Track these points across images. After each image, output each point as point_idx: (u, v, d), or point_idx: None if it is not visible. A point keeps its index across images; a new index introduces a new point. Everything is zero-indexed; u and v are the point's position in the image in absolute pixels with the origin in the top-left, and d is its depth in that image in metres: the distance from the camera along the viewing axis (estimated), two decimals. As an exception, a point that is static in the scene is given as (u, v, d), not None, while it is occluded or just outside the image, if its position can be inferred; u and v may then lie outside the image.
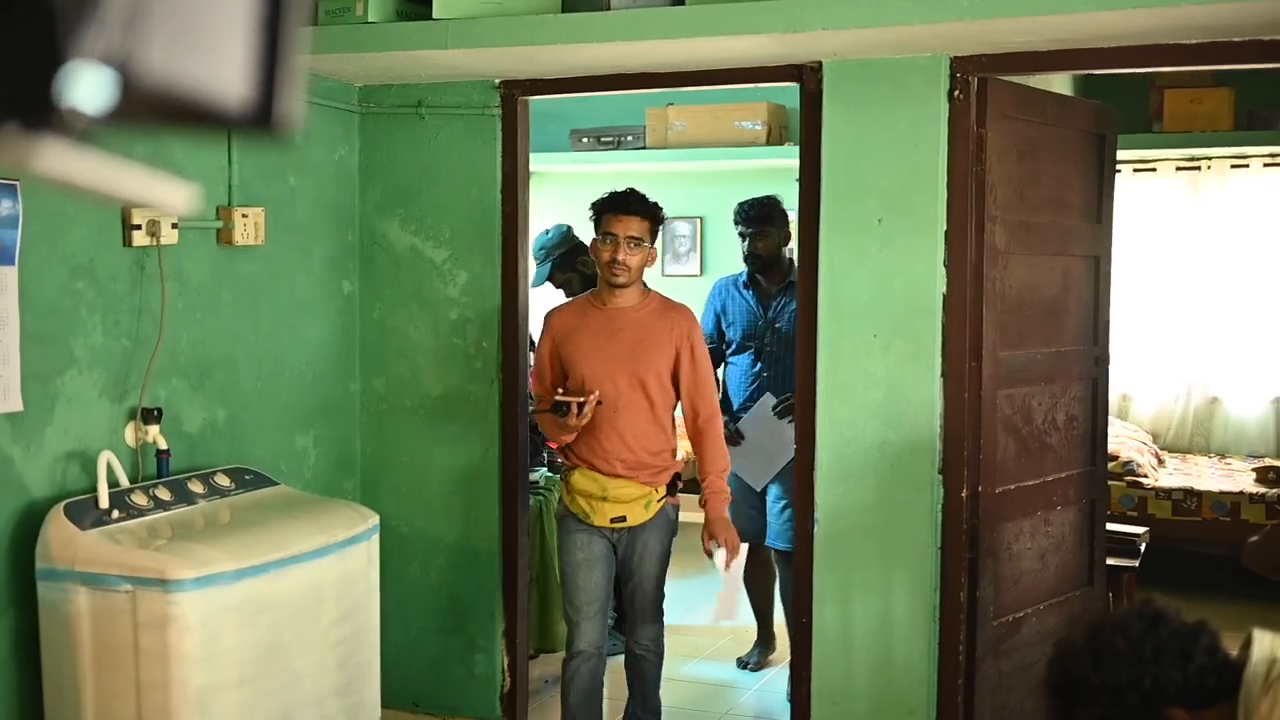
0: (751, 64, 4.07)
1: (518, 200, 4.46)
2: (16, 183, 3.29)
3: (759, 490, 5.07)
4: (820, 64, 3.98)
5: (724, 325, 5.18)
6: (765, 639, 5.48)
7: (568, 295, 5.27)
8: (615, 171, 8.18)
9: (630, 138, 7.85)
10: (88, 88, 0.55)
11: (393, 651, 4.48)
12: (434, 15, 3.89)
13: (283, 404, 4.29)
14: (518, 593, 4.52)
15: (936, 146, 3.88)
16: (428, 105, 4.50)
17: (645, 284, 4.05)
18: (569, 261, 5.74)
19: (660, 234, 4.10)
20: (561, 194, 8.44)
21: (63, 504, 3.32)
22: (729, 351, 5.15)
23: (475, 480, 4.51)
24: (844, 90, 3.97)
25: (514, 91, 4.42)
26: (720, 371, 5.16)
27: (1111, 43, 3.67)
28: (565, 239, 5.74)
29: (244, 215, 4.00)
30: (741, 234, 5.05)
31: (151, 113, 0.62)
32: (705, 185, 8.26)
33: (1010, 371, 4.10)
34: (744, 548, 4.85)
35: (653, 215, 3.93)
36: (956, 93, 3.87)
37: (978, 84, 3.89)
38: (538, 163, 8.26)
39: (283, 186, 4.25)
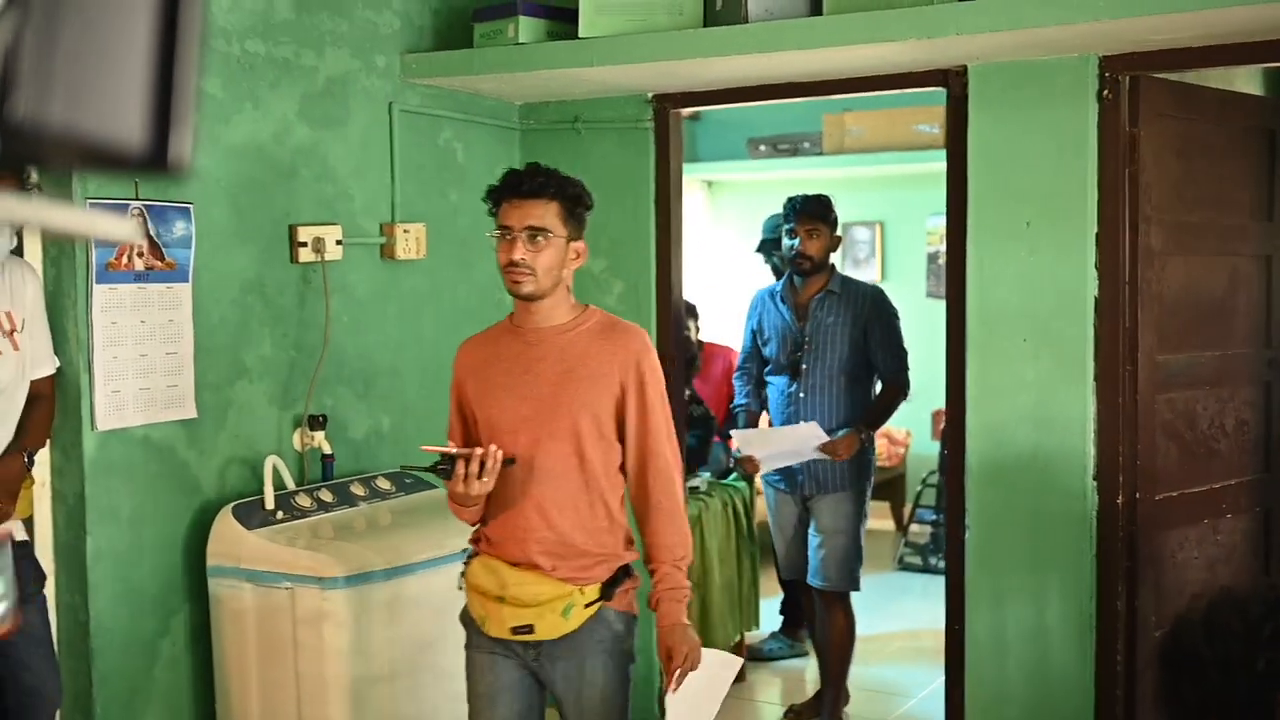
0: (896, 70, 4.07)
1: (671, 210, 4.54)
2: (190, 205, 3.53)
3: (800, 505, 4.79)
4: (965, 68, 3.96)
5: (760, 342, 4.90)
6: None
7: None
8: (792, 178, 8.20)
9: (807, 144, 7.87)
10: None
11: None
12: (580, 35, 4.01)
13: (445, 411, 4.45)
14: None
15: (1086, 148, 3.81)
16: (584, 120, 4.63)
17: (575, 296, 3.08)
18: (766, 255, 5.91)
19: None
20: (739, 202, 8.51)
21: (231, 505, 3.54)
22: (767, 371, 4.88)
23: (632, 485, 4.60)
24: (990, 93, 3.93)
25: (665, 105, 4.51)
26: (738, 395, 5.01)
27: (1270, 35, 3.55)
28: (768, 228, 5.89)
29: (405, 230, 4.19)
30: (790, 231, 4.72)
31: (55, 157, 0.72)
32: (884, 190, 8.22)
33: (1170, 375, 3.99)
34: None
35: (565, 195, 2.94)
36: (1106, 92, 3.79)
37: (1129, 83, 3.80)
38: (715, 171, 8.41)
39: (444, 202, 4.43)
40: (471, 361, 3.05)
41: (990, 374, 3.98)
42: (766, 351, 4.82)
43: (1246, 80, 5.58)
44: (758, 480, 5.58)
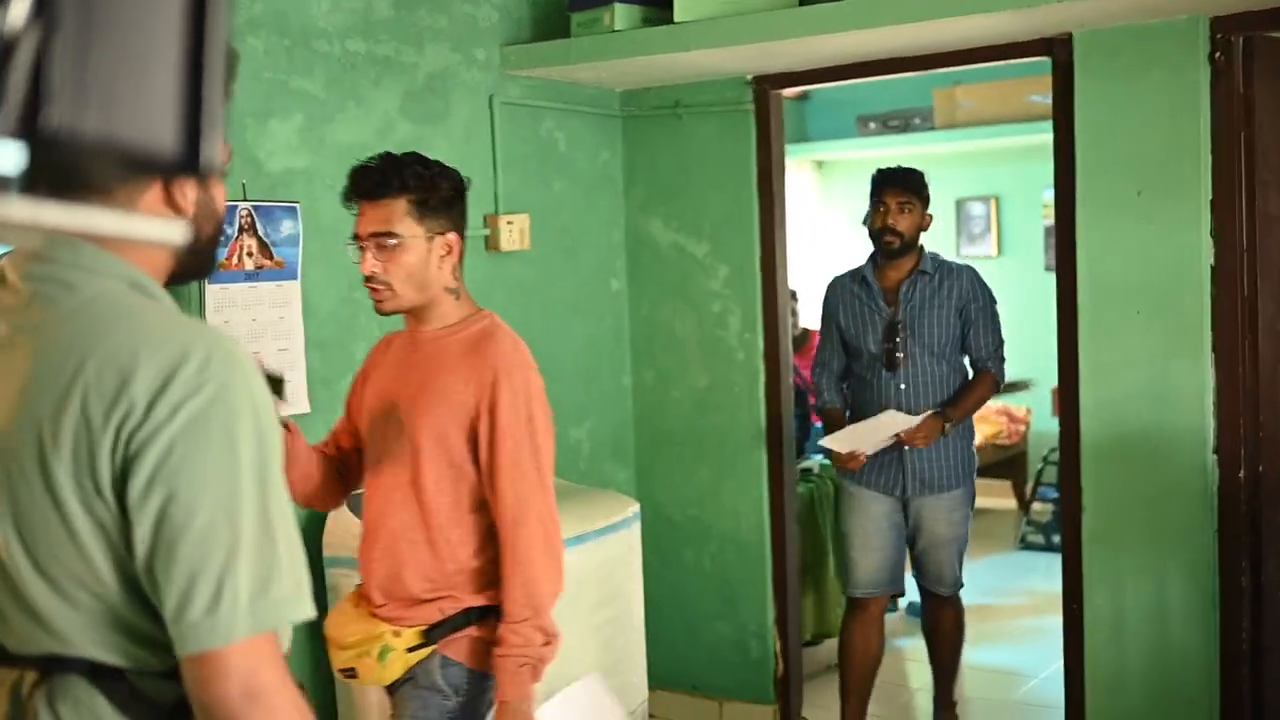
0: (1000, 40, 4.00)
1: (774, 192, 4.52)
2: (297, 205, 3.61)
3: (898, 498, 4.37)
4: (1070, 35, 3.87)
5: (843, 333, 4.41)
6: None
7: None
8: (903, 155, 8.08)
9: (918, 120, 7.78)
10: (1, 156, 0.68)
11: (668, 635, 4.64)
12: (676, 19, 4.01)
13: (556, 399, 4.45)
14: (787, 579, 4.59)
15: (1197, 112, 3.71)
16: (684, 105, 4.63)
17: (465, 297, 2.66)
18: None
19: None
20: (848, 181, 8.43)
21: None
22: (855, 364, 4.42)
23: (742, 470, 4.60)
24: (1096, 61, 3.84)
25: (766, 86, 4.49)
26: (821, 393, 4.51)
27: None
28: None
29: (509, 222, 4.23)
30: (878, 205, 4.30)
31: (90, 166, 0.75)
32: (998, 163, 8.08)
33: (1293, 344, 3.86)
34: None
35: (413, 186, 2.54)
36: (1218, 54, 3.68)
37: (1242, 44, 3.69)
38: (824, 151, 8.34)
39: (548, 193, 4.47)
40: (374, 358, 2.78)
41: (1103, 349, 3.89)
42: (853, 343, 4.38)
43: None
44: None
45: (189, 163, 0.76)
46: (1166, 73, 3.74)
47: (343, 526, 3.54)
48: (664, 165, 4.70)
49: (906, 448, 4.23)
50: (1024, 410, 7.88)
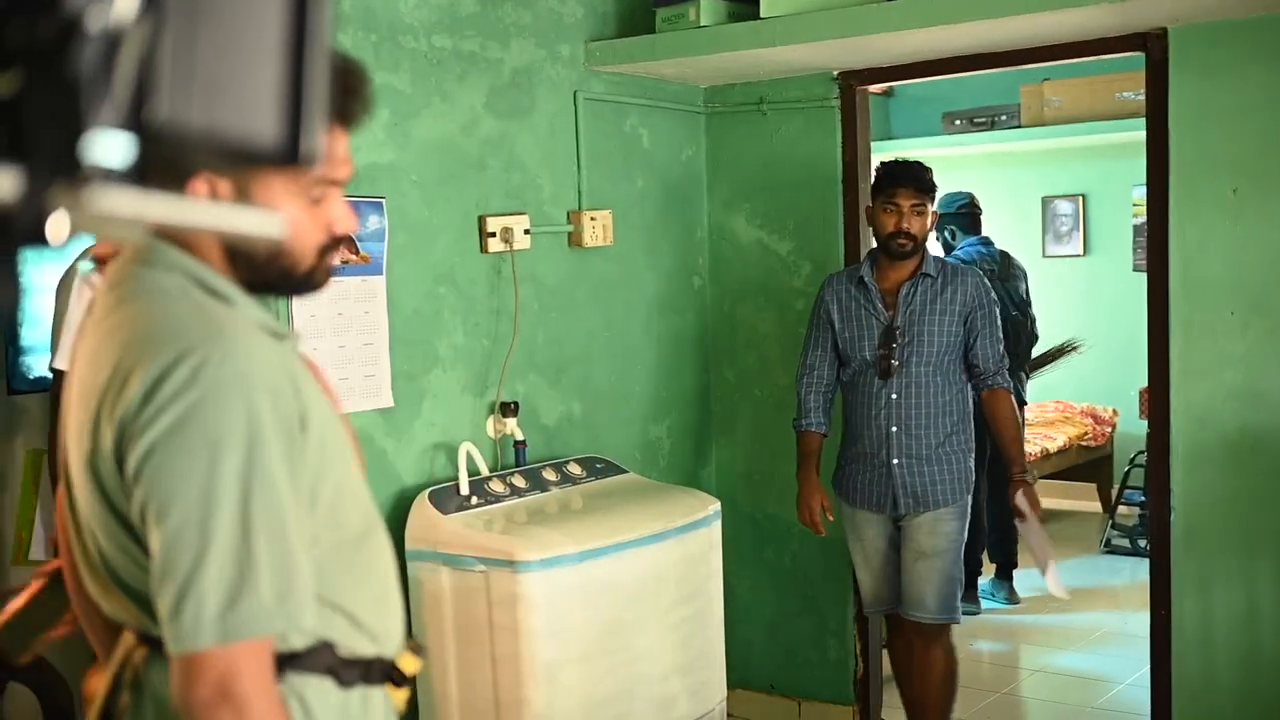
0: (1091, 36, 3.93)
1: (859, 190, 4.48)
2: (383, 199, 3.64)
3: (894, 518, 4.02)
4: (1165, 30, 3.80)
5: (837, 337, 4.04)
6: None
7: None
8: (989, 152, 8.03)
9: (1004, 117, 7.68)
10: (109, 149, 0.69)
11: (747, 634, 4.62)
12: (761, 15, 3.99)
13: (637, 396, 4.51)
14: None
15: (1296, 109, 3.62)
16: (769, 101, 4.60)
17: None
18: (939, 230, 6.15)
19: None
20: (936, 178, 8.33)
21: (427, 491, 3.64)
22: (847, 370, 4.05)
23: (823, 469, 4.57)
24: (1191, 56, 3.77)
25: (851, 82, 4.46)
26: (803, 411, 4.10)
27: None
28: (946, 204, 6.13)
29: (592, 218, 4.24)
30: (888, 204, 3.92)
31: (194, 158, 0.75)
32: (1086, 161, 7.96)
33: (1393, 347, 3.76)
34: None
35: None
36: (1317, 49, 3.60)
37: (1343, 38, 3.60)
38: (910, 148, 8.21)
39: (631, 189, 4.47)
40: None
41: (1195, 349, 3.82)
42: (846, 348, 4.02)
43: None
44: None
45: (289, 154, 0.76)
46: (1264, 68, 3.66)
47: (426, 520, 3.56)
48: (748, 162, 4.68)
49: (895, 461, 3.92)
50: (1110, 412, 7.75)
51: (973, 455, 4.05)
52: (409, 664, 1.65)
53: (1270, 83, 3.65)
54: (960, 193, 6.36)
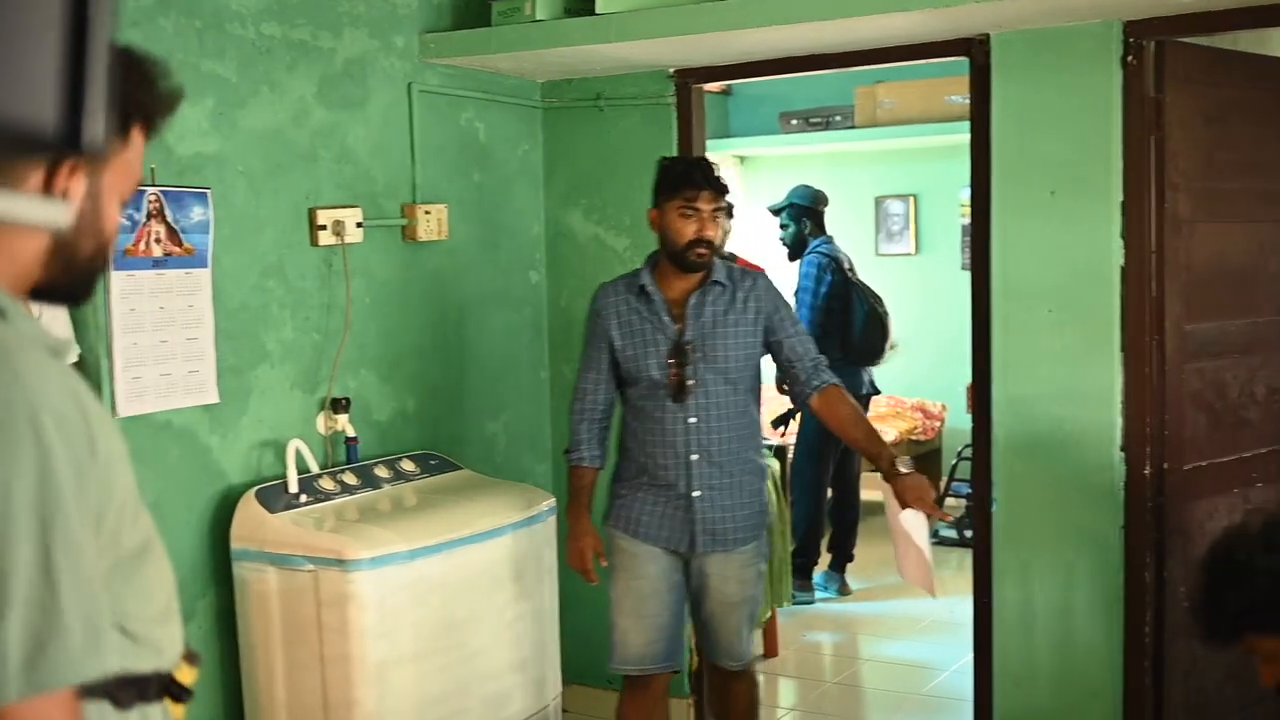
0: (919, 40, 4.02)
1: (694, 187, 4.50)
2: (208, 190, 3.54)
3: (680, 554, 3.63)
4: (987, 36, 3.91)
5: (625, 360, 3.59)
6: None
7: None
8: (825, 152, 8.17)
9: (839, 117, 7.82)
10: None
11: (583, 629, 4.62)
12: (598, 10, 3.99)
13: (472, 391, 4.47)
14: (703, 573, 4.59)
15: (1110, 115, 3.76)
16: (606, 98, 4.61)
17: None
18: (795, 222, 6.44)
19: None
20: (771, 177, 8.46)
21: (255, 489, 3.56)
22: (632, 394, 3.63)
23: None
24: (1013, 62, 3.88)
25: (688, 80, 4.49)
26: (577, 442, 3.73)
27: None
28: (805, 196, 6.41)
29: (427, 212, 4.19)
30: (687, 210, 3.50)
31: (-36, 143, 0.72)
32: (917, 162, 8.16)
33: (1199, 344, 3.93)
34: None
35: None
36: (1130, 59, 3.73)
37: (1154, 48, 3.74)
38: (747, 146, 8.37)
39: (467, 183, 4.43)
40: None
41: (1016, 347, 3.94)
42: (629, 366, 3.59)
43: (1281, 43, 5.47)
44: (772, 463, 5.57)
45: (71, 139, 0.73)
46: (1080, 76, 3.79)
47: (253, 519, 3.48)
48: (585, 158, 4.68)
49: (697, 494, 3.54)
50: (939, 407, 7.96)
51: (766, 485, 3.73)
52: (186, 675, 1.59)
53: (1086, 89, 3.78)
54: (813, 187, 6.47)
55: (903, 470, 3.55)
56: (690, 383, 3.51)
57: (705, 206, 3.52)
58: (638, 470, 3.64)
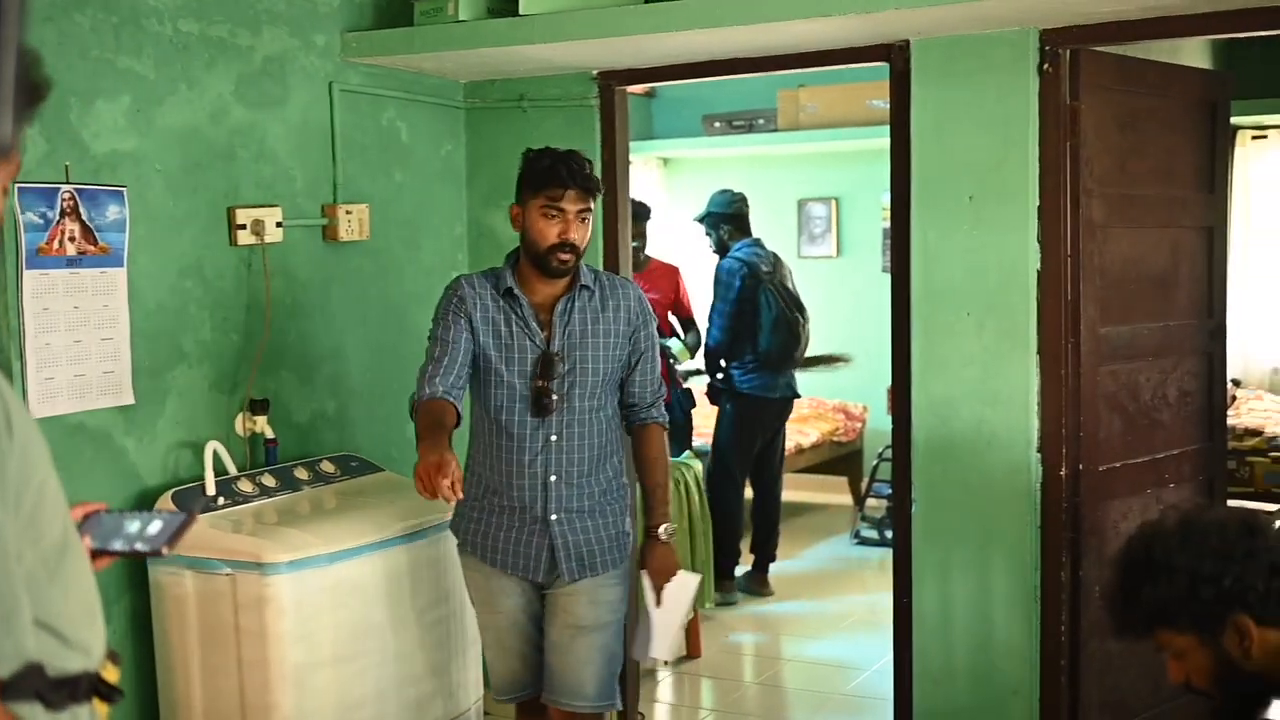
0: (841, 45, 4.06)
1: (618, 189, 4.51)
2: (124, 189, 3.48)
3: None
4: (908, 43, 3.95)
5: (488, 353, 3.25)
6: None
7: None
8: (748, 155, 8.22)
9: (762, 120, 7.87)
10: None
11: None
12: (521, 11, 3.98)
13: (393, 393, 4.43)
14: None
15: (1027, 121, 3.81)
16: (529, 99, 4.60)
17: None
18: (713, 228, 6.41)
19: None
20: (695, 178, 8.50)
21: (171, 491, 3.51)
22: (497, 413, 3.26)
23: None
24: (932, 68, 3.93)
25: (611, 82, 4.49)
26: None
27: (1210, 8, 3.55)
28: (722, 203, 6.40)
29: (348, 212, 4.16)
30: (548, 209, 3.22)
31: None
32: (840, 166, 8.23)
33: (1113, 347, 4.01)
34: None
35: None
36: (1046, 66, 3.79)
37: (1069, 56, 3.80)
38: (670, 148, 8.40)
39: (389, 183, 4.40)
40: None
41: (935, 349, 3.98)
42: (489, 374, 3.25)
43: (1193, 54, 5.61)
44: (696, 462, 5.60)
45: (-24, 141, 0.72)
46: (999, 82, 3.84)
47: (168, 522, 3.43)
48: (507, 159, 4.62)
49: (554, 517, 3.24)
50: (861, 408, 8.04)
51: (629, 509, 3.45)
52: (111, 674, 1.57)
53: (1004, 96, 3.83)
54: (733, 192, 6.49)
55: (662, 538, 3.33)
56: (554, 397, 3.21)
57: (570, 207, 3.22)
58: (486, 490, 3.31)
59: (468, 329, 3.23)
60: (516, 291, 3.26)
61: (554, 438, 3.23)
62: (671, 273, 6.33)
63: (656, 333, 3.43)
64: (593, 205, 3.28)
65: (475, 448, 3.38)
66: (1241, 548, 2.07)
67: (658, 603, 3.33)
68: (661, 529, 3.33)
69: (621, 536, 3.37)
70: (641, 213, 5.99)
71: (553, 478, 3.24)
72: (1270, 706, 2.19)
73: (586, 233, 3.27)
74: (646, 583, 3.34)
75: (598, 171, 4.45)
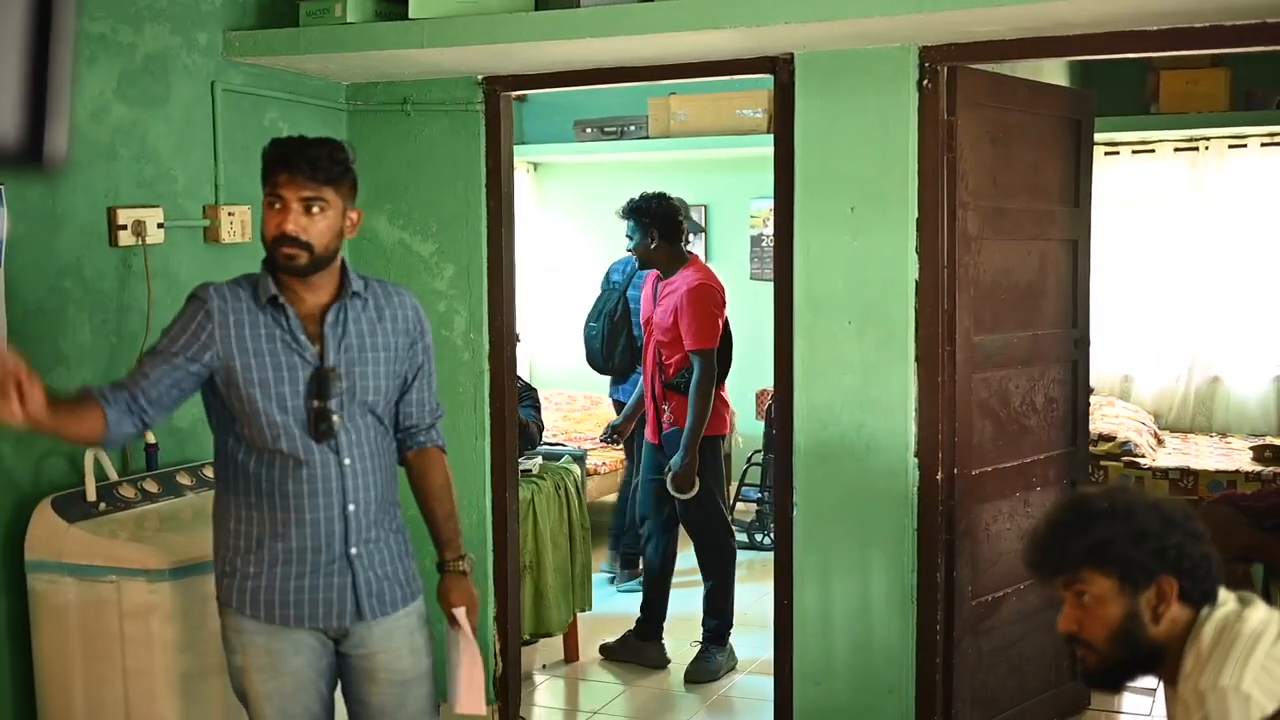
0: (726, 57, 4.13)
1: (502, 193, 4.53)
2: (1, 187, 3.39)
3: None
4: (792, 56, 4.04)
5: (246, 388, 2.84)
6: None
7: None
8: (618, 161, 8.27)
9: (633, 127, 7.92)
10: None
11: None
12: (410, 15, 3.97)
13: (274, 397, 4.38)
14: (508, 578, 4.61)
15: (907, 135, 3.94)
16: (413, 102, 4.58)
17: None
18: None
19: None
20: (566, 184, 8.53)
21: (50, 498, 3.42)
22: (275, 441, 2.85)
23: (465, 470, 4.59)
24: (815, 81, 4.02)
25: (496, 88, 4.50)
26: None
27: (1079, 30, 3.71)
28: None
29: (230, 214, 4.10)
30: (271, 198, 2.88)
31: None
32: (709, 174, 8.33)
33: (986, 355, 4.15)
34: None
35: None
36: (925, 82, 3.92)
37: (947, 73, 3.94)
38: (542, 154, 8.40)
39: (270, 185, 4.34)
40: None
41: (817, 356, 4.08)
42: (249, 400, 2.83)
43: (1052, 73, 5.84)
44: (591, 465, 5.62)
45: (33, 153, 0.73)
46: (880, 96, 3.95)
47: (49, 529, 3.35)
48: (391, 162, 4.64)
49: (354, 551, 2.90)
50: (729, 413, 8.13)
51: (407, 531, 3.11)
52: None
53: (884, 110, 3.95)
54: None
55: (464, 569, 3.10)
56: (335, 418, 2.84)
57: (290, 194, 2.80)
58: (258, 540, 2.88)
59: (205, 354, 2.82)
60: (281, 300, 2.85)
61: (347, 462, 2.87)
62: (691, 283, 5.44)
63: (434, 345, 3.13)
64: (329, 196, 2.82)
65: (230, 498, 2.93)
66: (1189, 526, 2.21)
67: (473, 636, 3.09)
68: (463, 561, 3.10)
69: (412, 567, 3.06)
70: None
71: (351, 506, 2.87)
72: (1135, 679, 2.31)
73: (320, 226, 2.80)
74: (462, 619, 3.07)
75: (483, 175, 4.49)
